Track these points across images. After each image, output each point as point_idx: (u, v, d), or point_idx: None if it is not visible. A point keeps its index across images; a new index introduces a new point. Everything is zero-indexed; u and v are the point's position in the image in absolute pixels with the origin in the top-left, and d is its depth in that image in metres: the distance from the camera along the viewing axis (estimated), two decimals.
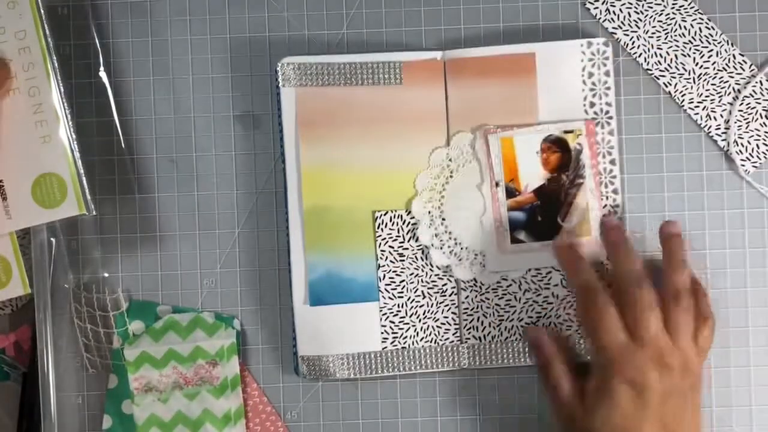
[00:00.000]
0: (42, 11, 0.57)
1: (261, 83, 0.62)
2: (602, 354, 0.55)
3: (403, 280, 0.61)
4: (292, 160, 0.61)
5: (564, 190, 0.61)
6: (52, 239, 0.61)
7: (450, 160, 0.60)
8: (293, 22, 0.63)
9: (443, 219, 0.61)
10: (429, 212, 0.61)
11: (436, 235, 0.61)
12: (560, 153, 0.61)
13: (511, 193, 0.61)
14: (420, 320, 0.61)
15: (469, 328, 0.61)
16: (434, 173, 0.61)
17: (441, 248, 0.61)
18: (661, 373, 0.54)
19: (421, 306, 0.61)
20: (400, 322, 0.61)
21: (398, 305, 0.61)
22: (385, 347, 0.61)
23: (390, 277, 0.61)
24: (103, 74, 0.62)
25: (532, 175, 0.61)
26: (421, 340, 0.61)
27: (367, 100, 0.61)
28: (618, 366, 0.55)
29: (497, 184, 0.61)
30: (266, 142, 0.62)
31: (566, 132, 0.61)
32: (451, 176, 0.61)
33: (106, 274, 0.62)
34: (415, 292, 0.61)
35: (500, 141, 0.61)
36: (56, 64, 0.57)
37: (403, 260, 0.61)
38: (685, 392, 0.55)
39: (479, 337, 0.61)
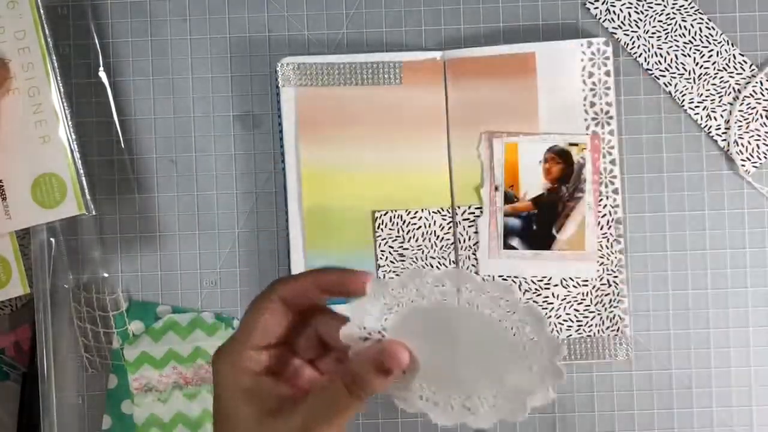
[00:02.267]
0: (42, 11, 0.57)
1: (261, 83, 0.62)
2: None
3: None
4: (292, 160, 0.61)
5: (562, 202, 0.61)
6: (51, 239, 0.61)
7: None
8: (293, 22, 0.63)
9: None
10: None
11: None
12: (563, 165, 0.61)
13: (509, 199, 0.61)
14: None
15: None
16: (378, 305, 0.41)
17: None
18: None
19: None
20: None
21: None
22: None
23: (390, 277, 0.61)
24: (102, 74, 0.62)
25: (533, 183, 0.61)
26: None
27: (367, 100, 0.61)
28: None
29: (496, 188, 0.61)
30: (266, 142, 0.62)
31: (571, 144, 0.61)
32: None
33: (106, 274, 0.62)
34: None
35: (504, 146, 0.60)
36: (56, 64, 0.57)
37: (403, 260, 0.61)
38: None
39: None
